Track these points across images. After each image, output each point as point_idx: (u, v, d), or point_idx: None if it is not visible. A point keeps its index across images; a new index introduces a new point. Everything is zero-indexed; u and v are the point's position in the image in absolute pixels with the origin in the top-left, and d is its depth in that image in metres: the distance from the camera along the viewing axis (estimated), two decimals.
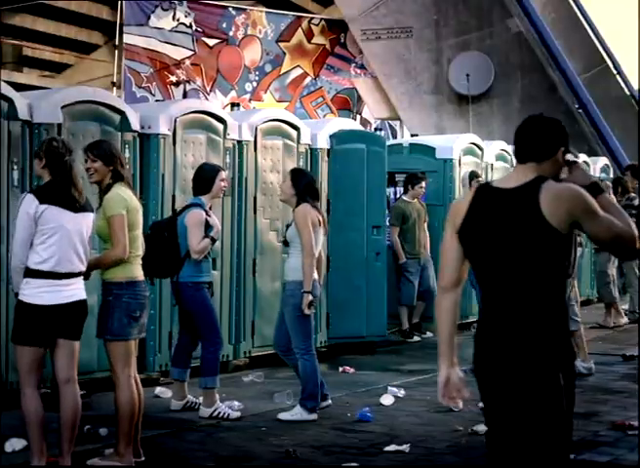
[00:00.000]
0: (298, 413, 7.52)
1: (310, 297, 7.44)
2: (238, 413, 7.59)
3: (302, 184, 7.58)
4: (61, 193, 5.79)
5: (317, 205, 7.72)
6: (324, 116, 18.49)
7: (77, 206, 5.83)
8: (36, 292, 5.72)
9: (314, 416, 7.52)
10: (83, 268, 5.90)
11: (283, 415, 7.55)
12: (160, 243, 7.42)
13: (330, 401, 7.71)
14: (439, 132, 17.39)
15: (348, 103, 19.11)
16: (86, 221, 5.90)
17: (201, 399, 7.71)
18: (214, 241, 7.57)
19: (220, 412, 7.51)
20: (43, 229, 5.72)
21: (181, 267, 7.52)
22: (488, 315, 4.11)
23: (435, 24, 18.43)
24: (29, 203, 5.74)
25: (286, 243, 7.73)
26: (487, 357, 4.13)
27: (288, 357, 7.72)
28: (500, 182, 4.08)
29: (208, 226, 7.51)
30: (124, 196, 6.10)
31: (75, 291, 5.83)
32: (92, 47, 24.11)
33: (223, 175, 7.76)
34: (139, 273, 6.19)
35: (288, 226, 7.79)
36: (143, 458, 6.26)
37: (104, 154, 6.18)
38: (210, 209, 7.71)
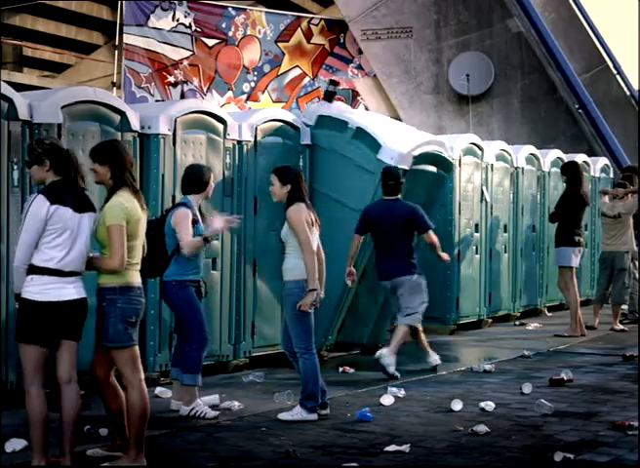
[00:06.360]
0: (298, 413, 7.51)
1: (314, 295, 7.43)
2: (216, 413, 7.57)
3: (290, 179, 7.60)
4: (69, 193, 5.79)
5: (309, 203, 7.72)
6: None
7: (82, 206, 5.83)
8: (42, 289, 5.72)
9: (314, 416, 7.52)
10: (84, 268, 5.92)
11: (283, 415, 7.54)
12: (148, 242, 7.40)
13: (328, 410, 7.66)
14: (439, 132, 17.39)
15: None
16: (90, 222, 5.90)
17: (202, 399, 7.72)
18: (207, 241, 7.56)
19: (197, 412, 7.50)
20: (50, 229, 5.71)
21: (167, 266, 7.54)
22: None
23: (435, 24, 18.44)
24: (40, 204, 5.72)
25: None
26: None
27: (295, 359, 7.71)
28: None
29: (194, 224, 7.53)
30: (126, 205, 6.01)
31: (77, 289, 5.84)
32: (92, 47, 24.14)
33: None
34: (134, 279, 6.11)
35: (282, 225, 7.78)
36: None
37: (103, 156, 6.14)
38: (200, 209, 7.73)
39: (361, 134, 10.08)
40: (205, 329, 7.67)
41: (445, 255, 9.82)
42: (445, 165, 10.84)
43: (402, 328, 9.54)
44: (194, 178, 7.75)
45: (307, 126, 10.34)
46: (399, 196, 9.55)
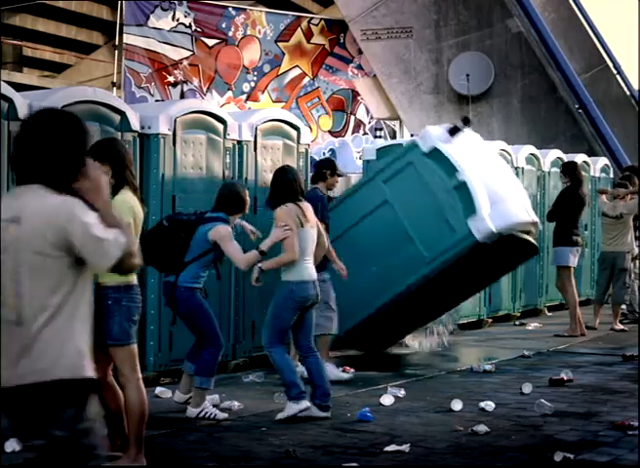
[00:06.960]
0: (289, 408, 7.45)
1: (258, 269, 7.44)
2: (225, 415, 7.57)
3: (277, 184, 7.63)
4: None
5: (300, 203, 7.64)
6: (319, 117, 18.52)
7: None
8: None
9: (305, 404, 7.41)
10: None
11: (279, 416, 7.50)
12: (173, 240, 7.42)
13: (329, 413, 7.61)
14: None
15: (343, 104, 19.12)
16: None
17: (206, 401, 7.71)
18: (264, 254, 7.48)
19: (206, 413, 7.48)
20: None
21: (182, 270, 7.51)
22: None
23: (435, 24, 18.45)
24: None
25: None
26: None
27: (306, 358, 7.69)
28: None
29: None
30: (132, 204, 6.06)
31: None
32: (92, 47, 24.15)
33: None
34: (134, 278, 6.13)
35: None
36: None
37: (103, 155, 6.13)
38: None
39: (463, 189, 9.42)
40: (218, 332, 7.62)
41: (336, 259, 8.92)
42: None
43: (323, 338, 9.11)
44: (235, 200, 7.70)
45: (417, 147, 9.81)
46: (319, 185, 9.22)
